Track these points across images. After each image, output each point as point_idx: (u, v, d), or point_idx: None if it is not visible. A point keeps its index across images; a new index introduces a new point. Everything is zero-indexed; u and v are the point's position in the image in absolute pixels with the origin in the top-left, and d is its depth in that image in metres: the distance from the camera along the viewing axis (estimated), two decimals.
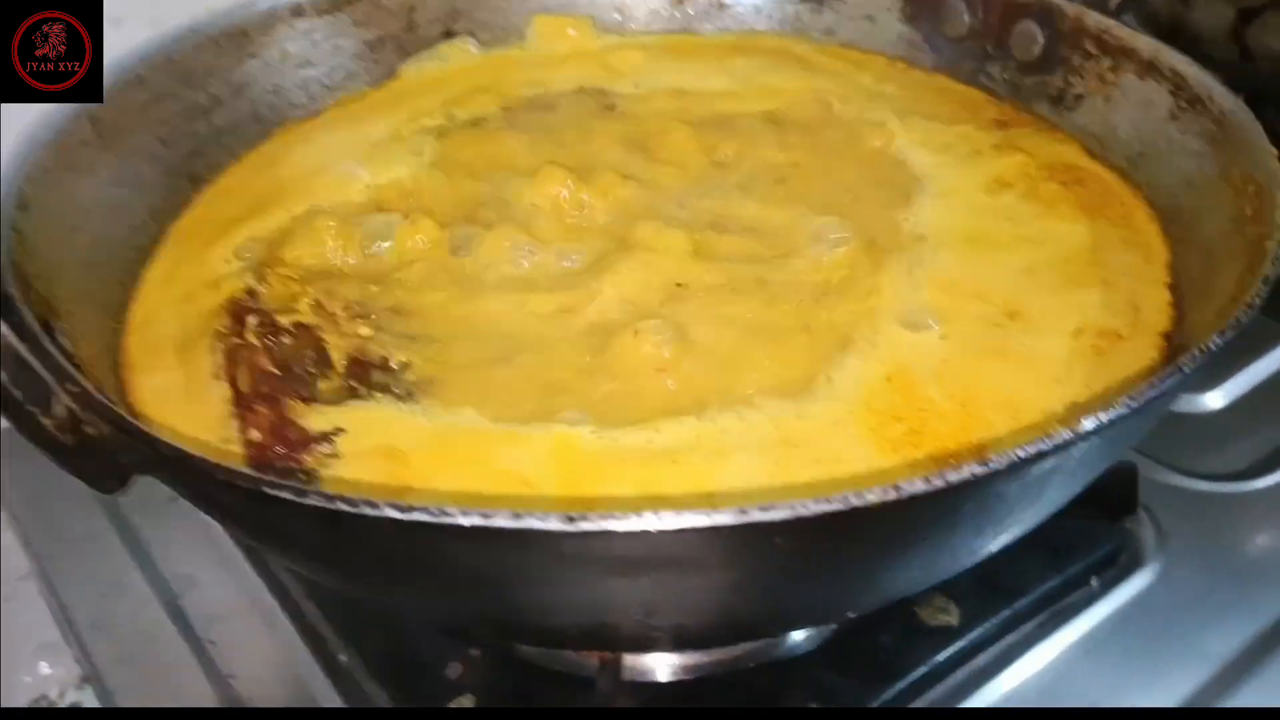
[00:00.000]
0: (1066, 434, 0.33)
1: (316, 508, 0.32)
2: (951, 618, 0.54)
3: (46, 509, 0.65)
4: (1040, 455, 0.33)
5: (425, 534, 0.32)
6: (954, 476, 0.32)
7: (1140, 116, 0.56)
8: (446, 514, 0.31)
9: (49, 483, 0.66)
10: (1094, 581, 0.57)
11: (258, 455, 0.42)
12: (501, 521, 0.31)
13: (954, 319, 0.48)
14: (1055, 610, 0.56)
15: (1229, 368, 0.69)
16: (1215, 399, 0.68)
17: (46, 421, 0.33)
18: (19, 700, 0.87)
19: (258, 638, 0.57)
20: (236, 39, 0.63)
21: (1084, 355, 0.46)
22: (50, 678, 0.88)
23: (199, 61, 0.61)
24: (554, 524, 0.31)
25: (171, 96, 0.59)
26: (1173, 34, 0.79)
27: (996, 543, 0.40)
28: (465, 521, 0.31)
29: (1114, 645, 0.55)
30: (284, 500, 0.32)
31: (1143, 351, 0.46)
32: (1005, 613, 0.55)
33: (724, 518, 0.31)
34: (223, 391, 0.45)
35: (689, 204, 0.56)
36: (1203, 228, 0.50)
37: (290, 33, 0.65)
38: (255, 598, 0.59)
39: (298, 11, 0.65)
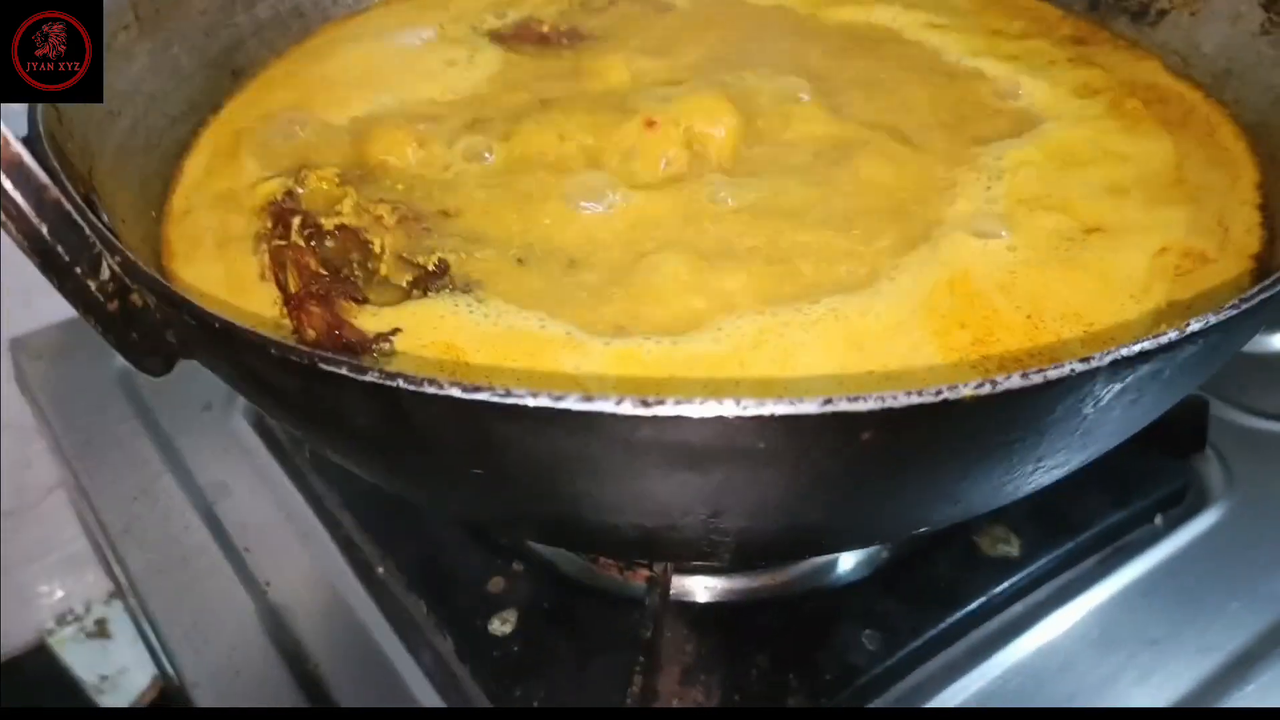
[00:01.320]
0: (1173, 334, 0.31)
1: (375, 385, 0.30)
2: (1012, 548, 0.52)
3: (78, 416, 0.64)
4: (1144, 355, 0.31)
5: (489, 417, 0.30)
6: (1054, 373, 0.30)
7: (1229, 31, 0.53)
8: (514, 394, 0.29)
9: (81, 389, 0.65)
10: (1158, 519, 0.55)
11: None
12: (571, 404, 0.29)
13: (1027, 230, 0.45)
14: (1118, 546, 0.54)
15: None
16: None
17: (91, 283, 0.32)
18: (45, 616, 0.86)
19: (293, 547, 0.55)
20: None
21: (1165, 273, 0.44)
22: (74, 593, 0.88)
23: None
24: (628, 408, 0.29)
25: None
26: None
27: (1075, 461, 0.38)
28: (533, 403, 0.29)
29: (1175, 585, 0.53)
30: (341, 378, 0.30)
31: (1230, 273, 0.44)
32: (1067, 546, 0.53)
33: (808, 406, 0.29)
34: (270, 292, 0.43)
35: (765, 107, 0.54)
36: None
37: None
38: (290, 507, 0.58)
39: None
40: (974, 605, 0.51)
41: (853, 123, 0.52)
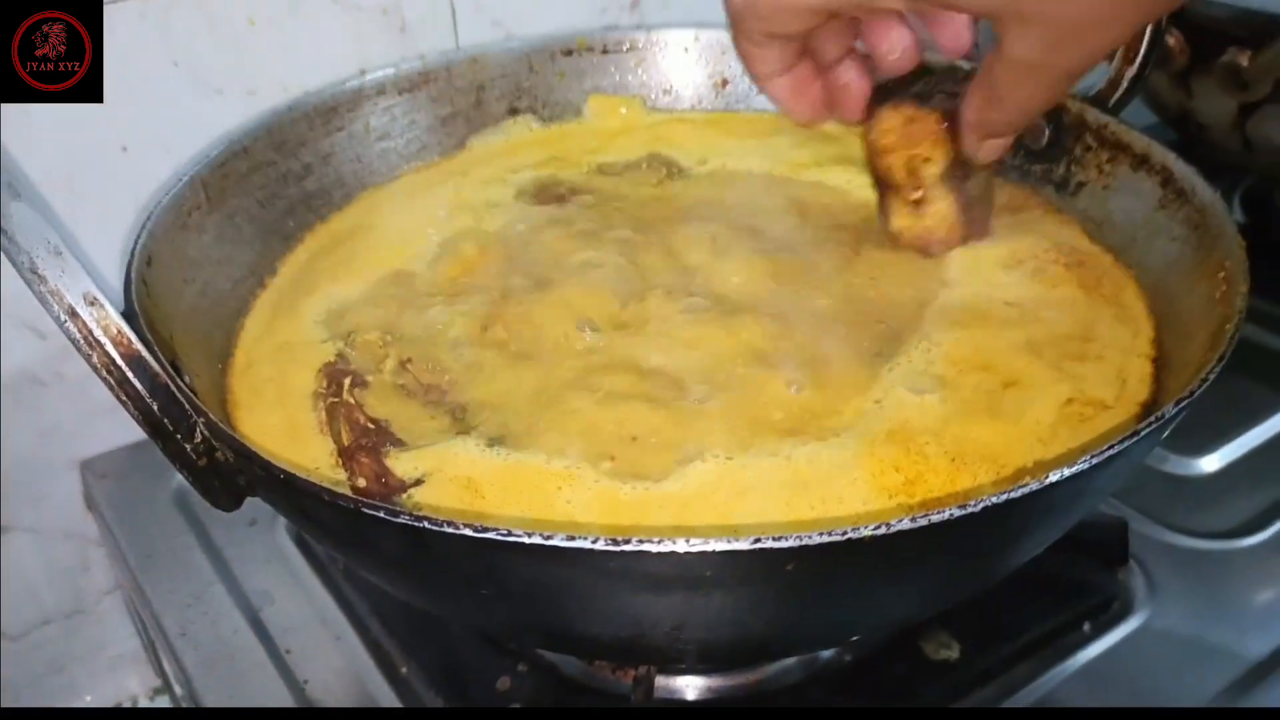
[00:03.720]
0: (1024, 489, 0.39)
1: (406, 525, 0.39)
2: (953, 652, 0.60)
3: (138, 528, 0.72)
4: (1009, 504, 0.39)
5: (494, 550, 0.39)
6: (935, 517, 0.38)
7: (1133, 203, 0.62)
8: (514, 534, 0.38)
9: (142, 505, 0.74)
10: (1087, 626, 0.63)
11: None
12: (558, 541, 0.38)
13: (955, 386, 0.53)
14: (1050, 651, 0.62)
15: (1224, 433, 0.75)
16: (1210, 462, 0.73)
17: (188, 447, 0.41)
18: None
19: (328, 649, 0.63)
20: (326, 114, 0.70)
21: (1069, 421, 0.52)
22: (123, 689, 0.95)
23: (294, 134, 0.69)
24: (601, 545, 0.37)
25: (270, 164, 0.67)
26: (1180, 122, 0.85)
27: (980, 582, 0.46)
28: (529, 540, 0.38)
29: (1100, 686, 0.60)
30: (379, 519, 0.39)
31: (1122, 418, 0.52)
32: (1003, 651, 0.60)
33: (741, 544, 0.37)
34: (326, 445, 0.53)
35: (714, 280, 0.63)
36: (1181, 307, 0.56)
37: (373, 109, 0.73)
38: (326, 614, 0.66)
39: (381, 90, 0.73)
40: (919, 703, 0.58)
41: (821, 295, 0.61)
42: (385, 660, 0.62)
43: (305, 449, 0.53)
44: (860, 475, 0.49)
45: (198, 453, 0.41)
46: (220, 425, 0.42)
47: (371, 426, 0.52)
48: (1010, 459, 0.50)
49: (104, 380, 0.39)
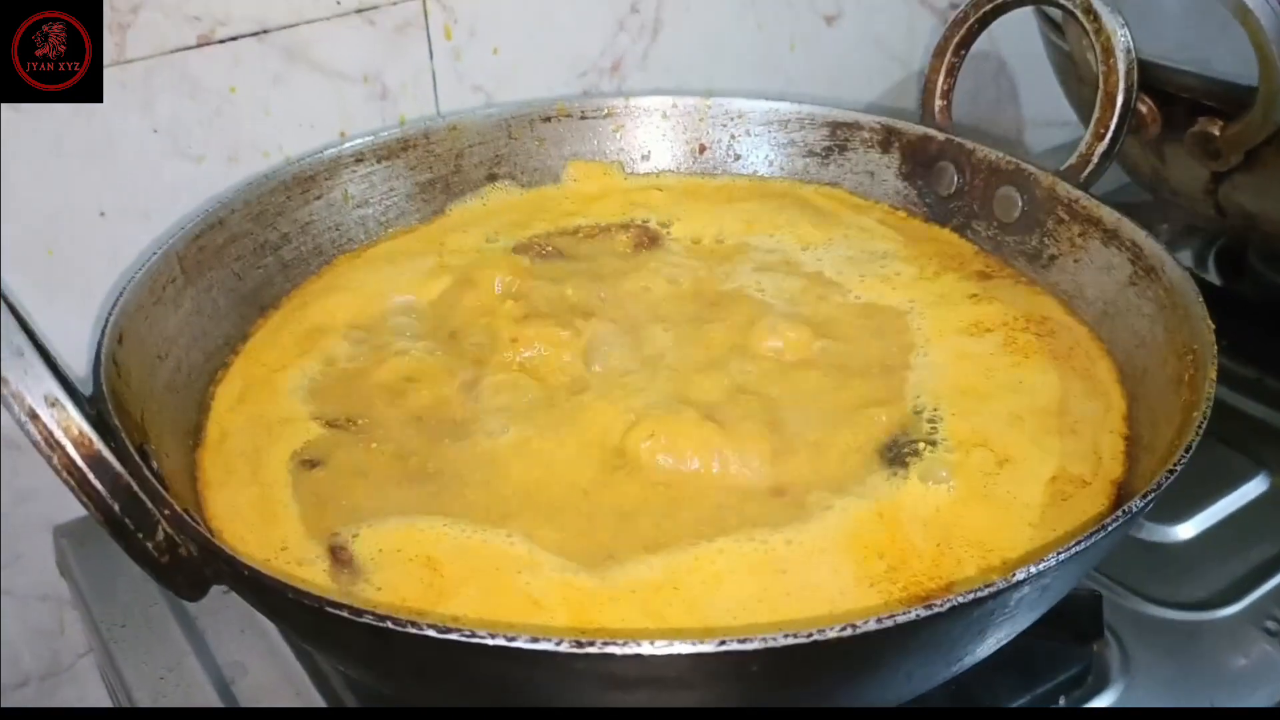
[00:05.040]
0: (977, 593, 0.39)
1: (368, 625, 0.38)
2: None
3: (112, 596, 0.72)
4: (973, 604, 0.39)
5: (456, 649, 0.38)
6: (901, 618, 0.38)
7: (1104, 279, 0.63)
8: (476, 635, 0.38)
9: (115, 573, 0.74)
10: (1062, 700, 0.62)
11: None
12: (521, 644, 0.37)
13: (960, 470, 0.54)
14: None
15: (1200, 501, 0.75)
16: (1185, 530, 0.73)
17: (149, 545, 0.40)
18: None
19: None
20: (304, 183, 0.71)
21: (1055, 500, 0.52)
22: None
23: (271, 203, 0.69)
24: (565, 647, 0.37)
25: (247, 235, 0.67)
26: (1154, 187, 0.86)
27: (951, 671, 0.46)
28: (491, 642, 0.38)
29: None
30: (341, 618, 0.39)
31: (1097, 497, 0.52)
32: None
33: (707, 647, 0.37)
34: (298, 521, 0.53)
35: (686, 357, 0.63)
36: (1151, 385, 0.56)
37: (352, 176, 0.73)
38: (300, 687, 0.65)
39: (359, 158, 0.73)
40: None
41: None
42: None
43: (276, 527, 0.53)
44: (841, 561, 0.49)
45: (159, 550, 0.41)
46: (186, 519, 0.42)
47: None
48: (998, 544, 0.50)
49: (65, 482, 0.39)
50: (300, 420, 0.60)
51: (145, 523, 0.40)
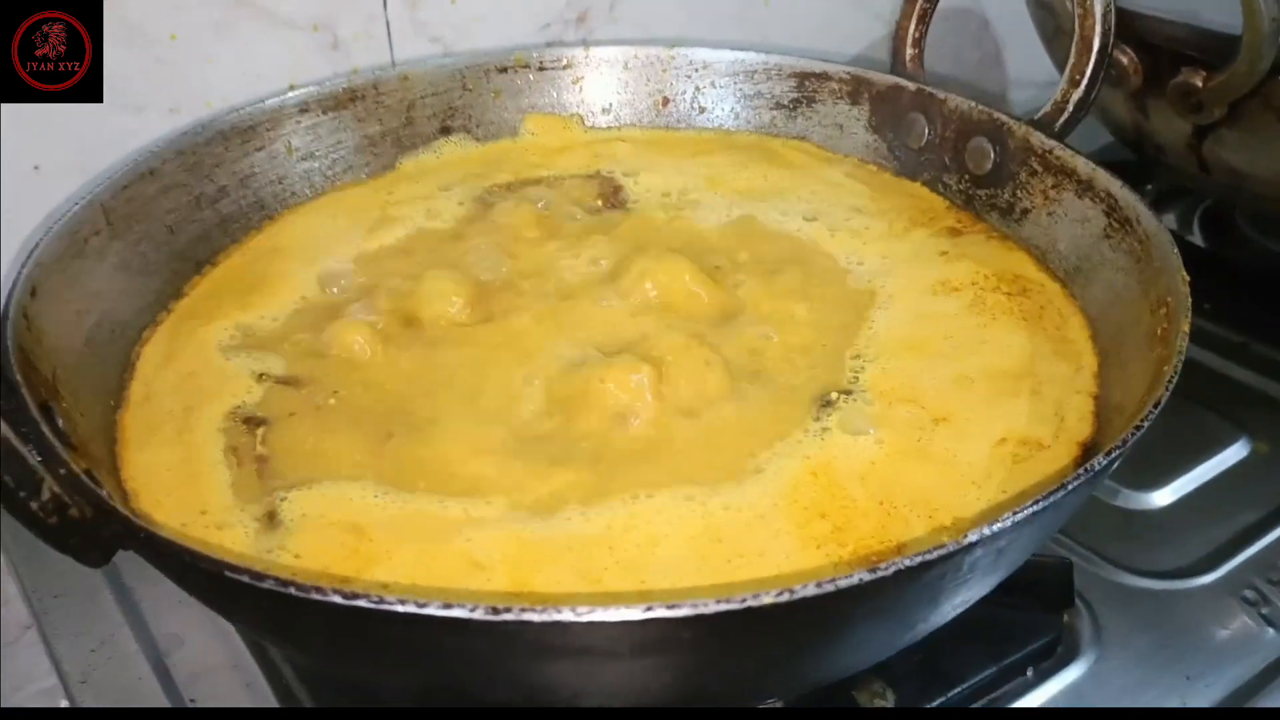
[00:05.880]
0: (925, 556, 0.37)
1: (270, 591, 0.36)
2: (887, 702, 0.57)
3: (44, 566, 0.69)
4: (923, 566, 0.36)
5: (366, 617, 0.36)
6: (843, 582, 0.35)
7: (1078, 232, 0.60)
8: (385, 602, 0.35)
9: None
10: (1030, 671, 0.60)
11: None
12: (433, 610, 0.35)
13: (885, 423, 0.51)
14: (992, 698, 0.59)
15: (1178, 465, 0.72)
16: (1163, 496, 0.70)
17: (33, 505, 0.37)
18: None
19: (237, 697, 0.60)
20: (244, 133, 0.67)
21: (1003, 461, 0.49)
22: None
23: (209, 154, 0.66)
24: (479, 614, 0.34)
25: (181, 187, 0.64)
26: (1137, 143, 0.83)
27: (904, 639, 0.43)
28: (400, 609, 0.35)
29: None
30: (242, 584, 0.36)
31: (1059, 459, 0.50)
32: (940, 699, 0.58)
33: (633, 613, 0.35)
34: (222, 482, 0.50)
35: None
36: (1124, 342, 0.53)
37: (295, 128, 0.70)
38: (237, 658, 0.62)
39: (304, 109, 0.70)
40: None
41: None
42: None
43: (197, 488, 0.50)
44: (783, 525, 0.46)
45: (45, 511, 0.38)
46: (82, 478, 0.39)
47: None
48: (944, 503, 0.48)
49: None
50: (236, 379, 0.57)
51: (27, 481, 0.37)
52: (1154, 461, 0.72)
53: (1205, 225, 0.94)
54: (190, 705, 0.59)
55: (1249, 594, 0.63)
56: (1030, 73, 1.13)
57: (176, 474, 0.51)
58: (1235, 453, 0.73)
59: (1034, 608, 0.61)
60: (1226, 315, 0.83)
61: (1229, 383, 0.80)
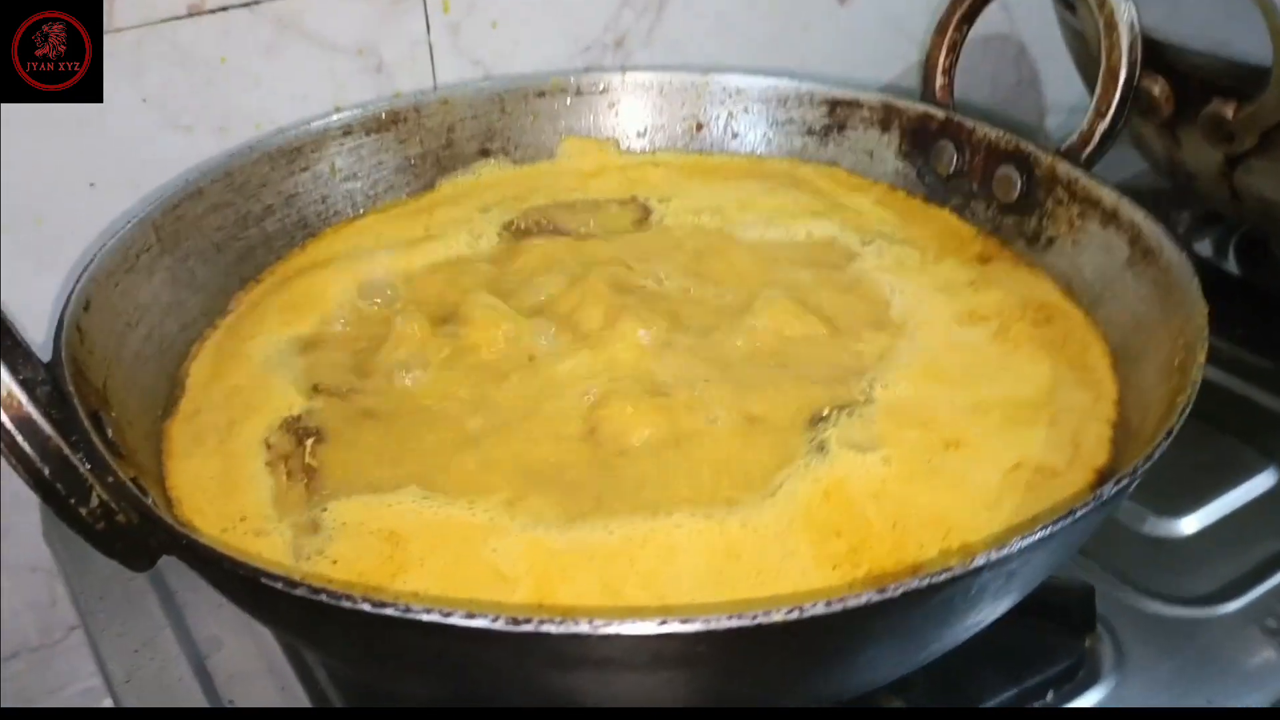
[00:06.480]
0: (933, 578, 0.38)
1: (303, 599, 0.37)
2: None
3: (92, 570, 0.71)
4: (929, 590, 0.37)
5: (392, 625, 0.37)
6: (852, 602, 0.37)
7: (1102, 261, 0.61)
8: (411, 610, 0.37)
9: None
10: (1050, 694, 0.60)
11: None
12: (456, 620, 0.36)
13: (890, 443, 0.52)
14: None
15: (1207, 493, 0.72)
16: (1189, 524, 0.71)
17: (83, 511, 0.40)
18: None
19: (272, 699, 0.62)
20: (290, 154, 0.70)
21: (1016, 486, 0.50)
22: None
23: (255, 174, 0.68)
24: (501, 624, 0.36)
25: (228, 206, 0.66)
26: (1170, 171, 0.83)
27: (917, 660, 0.44)
28: (425, 618, 0.36)
29: None
30: (276, 589, 0.38)
31: (1074, 485, 0.50)
32: None
33: (647, 627, 0.36)
34: (262, 493, 0.52)
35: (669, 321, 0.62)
36: (1145, 370, 0.54)
37: (339, 149, 0.72)
38: (273, 661, 0.64)
39: (347, 130, 0.72)
40: None
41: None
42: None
43: (238, 498, 0.52)
44: (799, 544, 0.47)
45: (94, 517, 0.40)
46: (129, 486, 0.41)
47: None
48: (956, 526, 0.49)
49: None
50: (279, 393, 0.59)
51: (78, 488, 0.40)
52: (1182, 488, 0.72)
53: (1240, 253, 0.94)
54: (229, 706, 0.61)
55: (1271, 623, 0.64)
56: (1068, 97, 1.13)
57: (219, 483, 0.53)
58: (1263, 481, 0.73)
59: (1056, 631, 0.62)
60: (1259, 343, 0.83)
61: (1260, 410, 0.80)
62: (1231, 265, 0.93)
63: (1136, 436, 0.51)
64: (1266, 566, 0.67)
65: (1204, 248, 0.94)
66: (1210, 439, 0.76)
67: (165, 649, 0.66)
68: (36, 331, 0.54)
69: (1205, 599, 0.66)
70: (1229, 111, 0.72)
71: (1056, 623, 0.62)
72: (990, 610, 0.45)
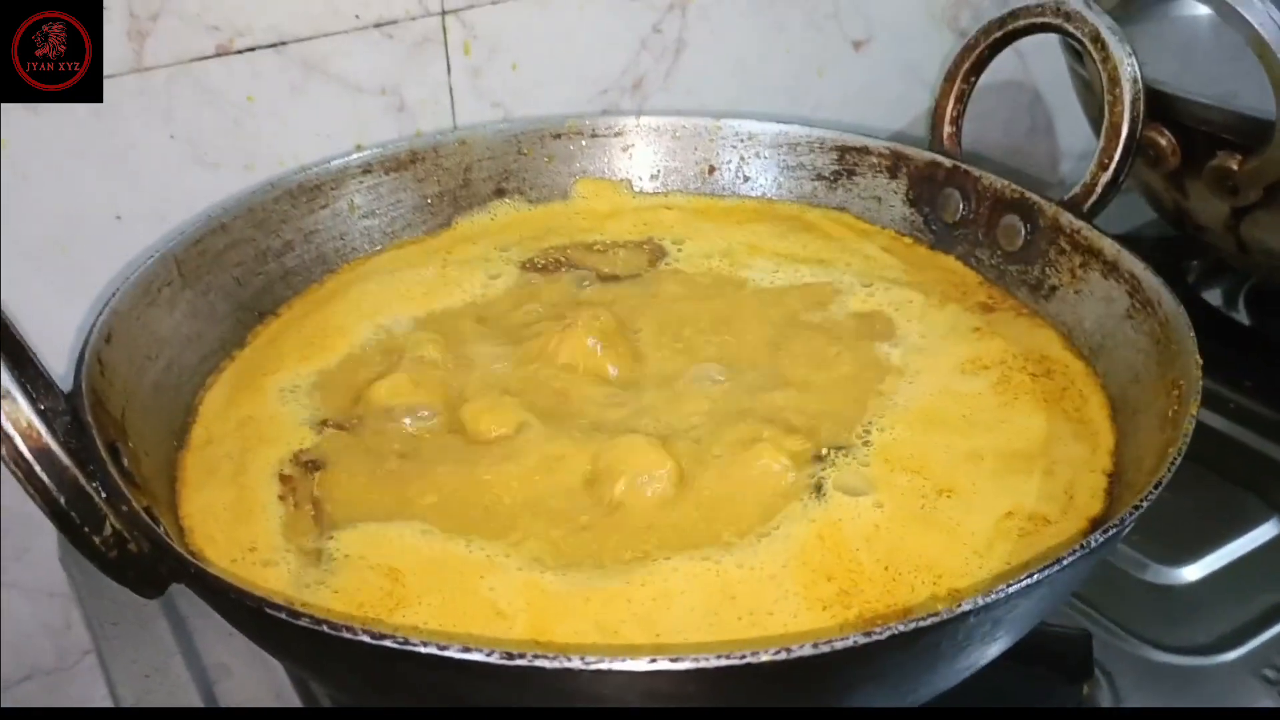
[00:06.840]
0: (919, 623, 0.38)
1: (305, 629, 0.39)
2: None
3: (105, 596, 0.73)
4: (915, 633, 0.38)
5: (391, 656, 0.38)
6: (839, 644, 0.37)
7: (1103, 311, 0.62)
8: (409, 643, 0.38)
9: None
10: None
11: None
12: (452, 653, 0.37)
13: (882, 487, 0.53)
14: None
15: (1210, 541, 0.73)
16: (1192, 572, 0.71)
17: (96, 539, 0.41)
18: None
19: None
20: (310, 192, 0.72)
21: (1008, 534, 0.51)
22: None
23: (276, 211, 0.70)
24: (494, 658, 0.37)
25: (249, 241, 0.68)
26: (1178, 222, 0.84)
27: (905, 702, 0.45)
28: (423, 650, 0.37)
29: None
30: (280, 619, 0.39)
31: (1066, 534, 0.51)
32: None
33: (638, 665, 0.37)
34: (273, 523, 0.53)
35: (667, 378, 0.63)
36: (1141, 421, 0.55)
37: (358, 187, 0.74)
38: (280, 688, 0.65)
39: (367, 169, 0.74)
40: None
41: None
42: None
43: (248, 528, 0.53)
44: (792, 586, 0.48)
45: (107, 545, 0.41)
46: (141, 515, 0.42)
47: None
48: (947, 571, 0.49)
49: (12, 473, 0.39)
50: (293, 425, 0.60)
51: (92, 517, 0.41)
52: (1184, 536, 0.73)
53: (1250, 302, 0.95)
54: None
55: (1269, 673, 0.64)
56: (1080, 144, 1.14)
57: (231, 513, 0.54)
58: (1266, 531, 0.73)
59: (1053, 678, 0.62)
60: (1268, 393, 0.83)
61: (1265, 461, 0.80)
62: (1242, 314, 0.94)
63: (1132, 487, 0.52)
64: (1267, 617, 0.67)
65: (1214, 296, 0.94)
66: (1214, 488, 0.77)
67: (175, 675, 0.67)
68: (59, 361, 0.56)
69: (1204, 648, 0.66)
70: (1234, 164, 0.73)
71: (1053, 668, 0.62)
72: (979, 655, 0.45)
